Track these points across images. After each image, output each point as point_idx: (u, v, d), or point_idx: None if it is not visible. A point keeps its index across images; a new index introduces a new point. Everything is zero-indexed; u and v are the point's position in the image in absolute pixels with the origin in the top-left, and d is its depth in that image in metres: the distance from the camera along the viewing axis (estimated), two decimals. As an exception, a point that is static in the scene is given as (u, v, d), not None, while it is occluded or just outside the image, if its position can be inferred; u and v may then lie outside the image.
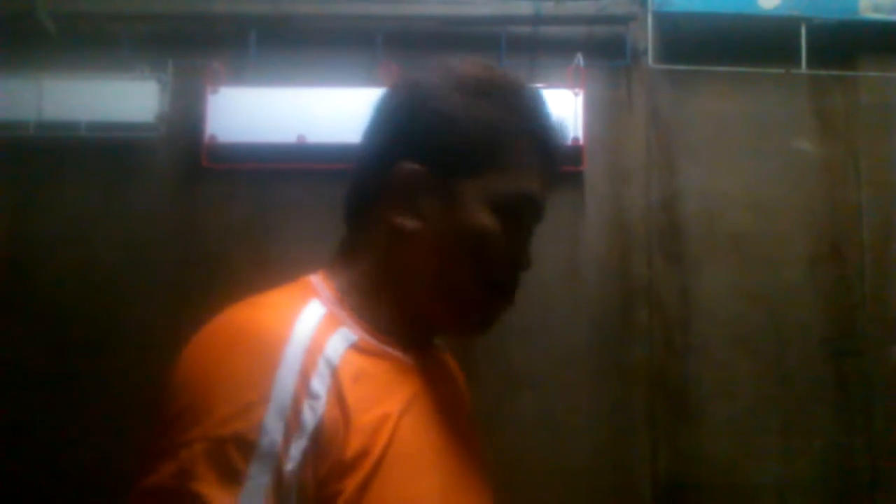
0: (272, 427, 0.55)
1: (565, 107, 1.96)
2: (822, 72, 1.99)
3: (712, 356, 1.97)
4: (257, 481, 0.54)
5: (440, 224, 0.70)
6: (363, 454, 0.60)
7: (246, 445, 0.54)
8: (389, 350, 0.70)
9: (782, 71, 1.98)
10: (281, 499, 0.55)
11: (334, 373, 0.61)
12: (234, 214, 2.00)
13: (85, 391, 1.91)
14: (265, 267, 1.93)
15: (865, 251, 2.00)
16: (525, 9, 2.00)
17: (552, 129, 0.76)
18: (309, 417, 0.57)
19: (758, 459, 1.95)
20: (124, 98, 1.97)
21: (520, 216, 0.73)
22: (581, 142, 1.96)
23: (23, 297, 1.96)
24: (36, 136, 1.95)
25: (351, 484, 0.59)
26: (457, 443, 0.74)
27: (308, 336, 0.62)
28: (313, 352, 0.61)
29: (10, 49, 1.97)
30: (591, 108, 1.98)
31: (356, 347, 0.66)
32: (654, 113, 2.04)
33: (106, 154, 1.98)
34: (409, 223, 0.71)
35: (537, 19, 1.99)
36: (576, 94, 1.97)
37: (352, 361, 0.64)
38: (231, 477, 0.53)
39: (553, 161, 0.76)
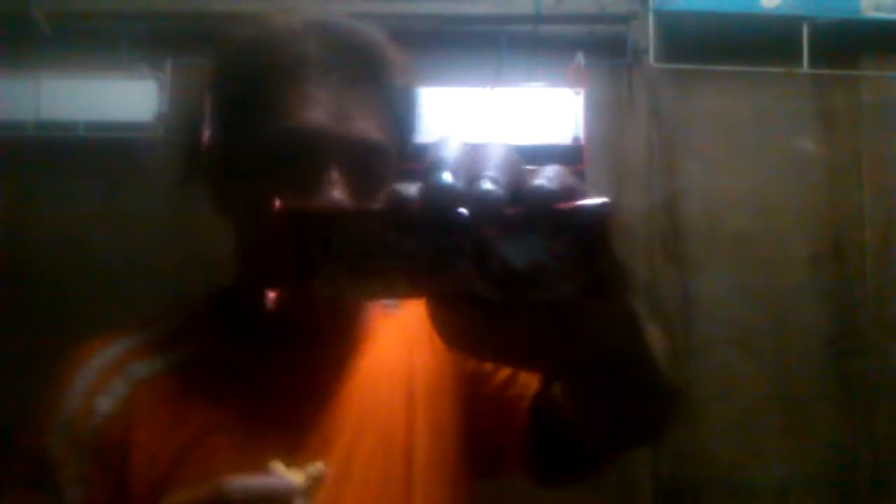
0: (56, 442, 0.61)
1: (566, 106, 1.96)
2: (824, 71, 1.98)
3: (714, 357, 1.97)
4: (52, 500, 0.60)
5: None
6: (158, 474, 0.60)
7: (37, 467, 0.61)
8: (241, 360, 0.66)
9: (784, 70, 1.97)
10: None
11: (135, 392, 0.63)
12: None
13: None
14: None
15: (867, 251, 2.00)
16: (525, 7, 1.99)
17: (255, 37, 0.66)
18: (91, 435, 0.61)
19: (760, 460, 1.94)
20: (123, 97, 1.96)
21: (281, 161, 0.63)
22: (582, 141, 1.95)
23: (21, 297, 1.95)
24: (34, 136, 1.95)
25: None
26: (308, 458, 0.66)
27: (111, 357, 0.65)
28: (110, 371, 0.64)
29: (8, 48, 1.96)
30: (591, 107, 1.97)
31: (185, 364, 0.65)
32: (656, 112, 2.03)
33: (104, 154, 1.98)
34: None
35: (538, 18, 1.98)
36: (576, 94, 1.96)
37: (172, 380, 0.64)
38: (29, 495, 0.61)
39: (276, 63, 0.64)
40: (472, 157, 0.38)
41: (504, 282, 0.37)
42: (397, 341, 0.74)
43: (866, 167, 2.02)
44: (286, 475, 0.55)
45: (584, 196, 0.38)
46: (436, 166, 0.37)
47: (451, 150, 0.38)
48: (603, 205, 0.37)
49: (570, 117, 1.95)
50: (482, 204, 0.36)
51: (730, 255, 2.00)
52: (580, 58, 1.98)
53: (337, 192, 0.61)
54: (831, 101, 2.04)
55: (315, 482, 0.56)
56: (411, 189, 0.37)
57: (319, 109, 0.62)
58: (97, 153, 1.97)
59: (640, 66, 2.02)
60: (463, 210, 0.37)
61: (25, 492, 0.61)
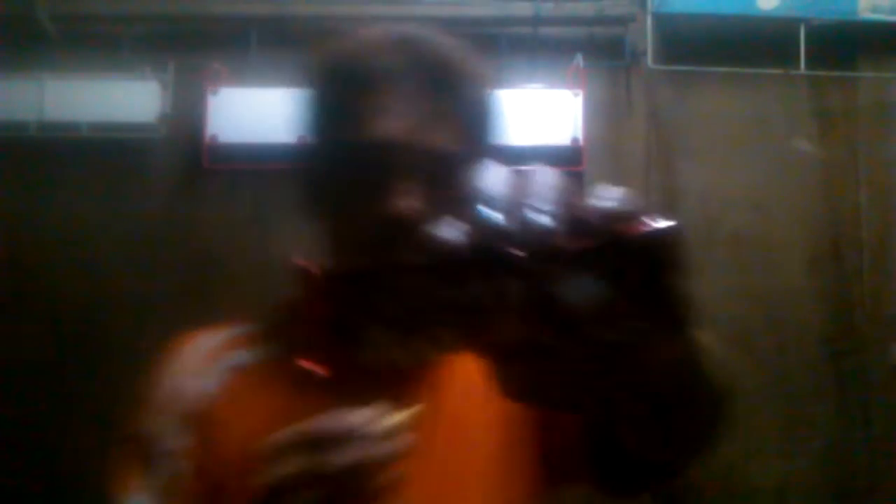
0: (162, 423, 0.66)
1: (565, 107, 1.97)
2: (821, 72, 2.00)
3: (711, 356, 1.97)
4: (155, 470, 0.65)
5: None
6: (243, 452, 0.62)
7: (142, 441, 0.66)
8: (328, 357, 0.67)
9: (781, 71, 1.98)
10: (176, 485, 0.64)
11: (230, 377, 0.68)
12: (234, 214, 2.01)
13: (84, 389, 1.91)
14: (265, 267, 1.94)
15: (864, 251, 2.01)
16: (525, 10, 2.01)
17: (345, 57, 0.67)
18: (194, 415, 0.67)
19: (757, 459, 1.95)
20: (125, 99, 1.98)
21: (357, 171, 0.64)
22: (580, 142, 1.97)
23: (24, 296, 1.97)
24: (38, 137, 1.96)
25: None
26: None
27: (212, 345, 0.70)
28: (210, 358, 0.69)
29: (13, 50, 1.98)
30: (590, 108, 1.99)
31: (276, 357, 0.69)
32: (654, 113, 2.05)
33: (107, 154, 1.99)
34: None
35: (537, 20, 2.00)
36: (575, 95, 1.98)
37: (263, 370, 0.68)
38: (136, 466, 0.65)
39: (360, 81, 0.65)
40: (517, 186, 0.33)
41: (565, 326, 0.32)
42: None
43: (863, 167, 2.03)
44: (367, 418, 0.57)
45: (645, 217, 0.33)
46: (476, 202, 0.33)
47: (492, 180, 0.34)
48: (672, 228, 0.33)
49: (569, 118, 1.97)
50: (534, 239, 0.31)
51: (728, 254, 2.01)
52: (579, 60, 1.99)
53: (410, 202, 0.62)
54: (828, 102, 2.05)
55: (401, 427, 0.57)
56: (453, 232, 0.33)
57: (394, 121, 0.63)
58: (100, 153, 1.99)
59: (639, 67, 2.03)
60: (513, 249, 0.32)
61: (135, 463, 0.66)
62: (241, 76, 1.99)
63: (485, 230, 0.32)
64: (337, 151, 0.66)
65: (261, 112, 1.96)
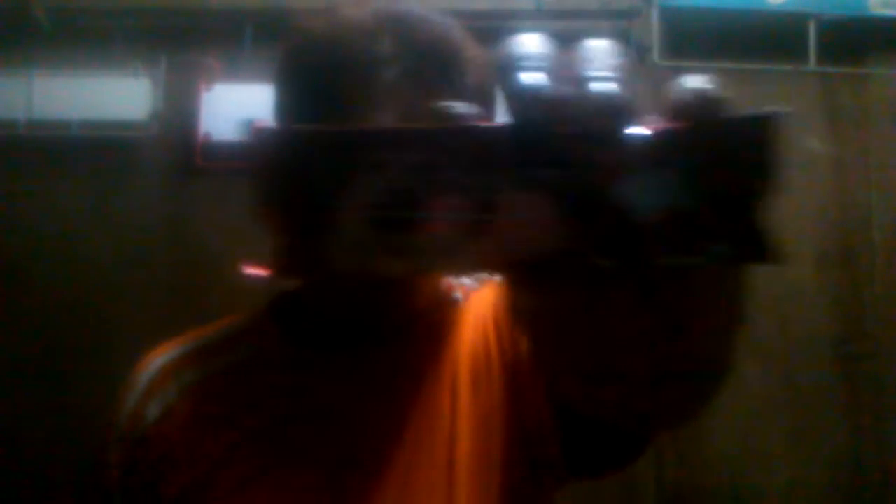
0: (115, 450, 0.63)
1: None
2: (831, 69, 1.97)
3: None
4: (114, 501, 0.62)
5: None
6: (199, 474, 0.59)
7: (103, 471, 0.64)
8: (296, 360, 0.64)
9: (790, 68, 1.96)
10: None
11: (183, 395, 0.63)
12: (228, 213, 1.99)
13: (77, 391, 1.88)
14: (259, 266, 1.91)
15: (876, 252, 1.99)
16: (527, 4, 1.98)
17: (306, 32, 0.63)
18: (140, 436, 0.63)
19: (766, 463, 1.93)
20: (117, 95, 1.96)
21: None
22: (584, 140, 1.94)
23: (14, 297, 1.95)
24: (27, 135, 1.94)
25: None
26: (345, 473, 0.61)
27: (166, 363, 0.66)
28: (164, 377, 0.65)
29: (0, 45, 1.95)
30: (594, 105, 1.97)
31: (238, 365, 0.64)
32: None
33: (98, 152, 1.97)
34: None
35: (539, 14, 1.98)
36: (579, 91, 1.95)
37: (222, 381, 0.64)
38: (98, 498, 0.63)
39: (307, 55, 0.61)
40: (566, 57, 0.26)
41: (625, 241, 0.24)
42: (453, 327, 0.66)
43: (874, 165, 2.00)
44: None
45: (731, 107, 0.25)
46: (516, 65, 0.25)
47: (532, 43, 0.26)
48: (775, 115, 0.25)
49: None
50: (594, 113, 0.23)
51: (735, 255, 1.99)
52: (583, 55, 1.97)
53: None
54: (839, 99, 2.02)
55: None
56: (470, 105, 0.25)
57: (388, 110, 0.58)
58: (91, 151, 1.97)
59: (645, 63, 2.01)
60: (561, 125, 0.23)
61: (97, 495, 0.64)
62: (236, 72, 1.97)
63: (522, 98, 0.23)
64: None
65: (255, 109, 1.94)
